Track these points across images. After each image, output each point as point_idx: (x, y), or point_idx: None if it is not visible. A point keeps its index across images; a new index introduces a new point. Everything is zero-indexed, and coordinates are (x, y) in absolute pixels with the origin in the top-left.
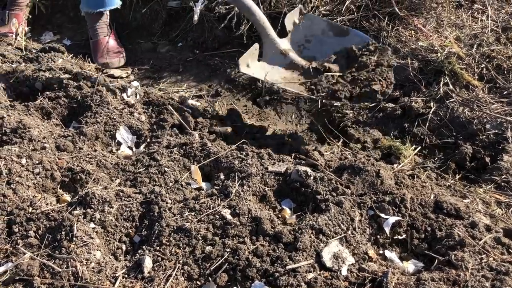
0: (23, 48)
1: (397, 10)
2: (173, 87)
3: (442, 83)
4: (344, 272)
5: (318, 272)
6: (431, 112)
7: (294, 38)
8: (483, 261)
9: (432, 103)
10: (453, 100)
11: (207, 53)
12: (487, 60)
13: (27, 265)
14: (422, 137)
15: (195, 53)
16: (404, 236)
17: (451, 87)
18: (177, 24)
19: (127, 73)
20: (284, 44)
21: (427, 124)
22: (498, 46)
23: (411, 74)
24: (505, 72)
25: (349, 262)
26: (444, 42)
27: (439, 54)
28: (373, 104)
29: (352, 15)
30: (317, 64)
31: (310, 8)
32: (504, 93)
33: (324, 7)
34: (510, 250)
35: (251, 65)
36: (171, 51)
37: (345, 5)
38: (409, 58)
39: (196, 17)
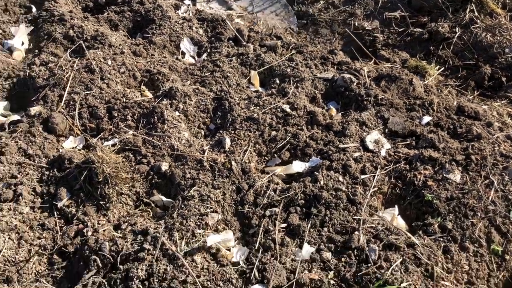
0: None
1: None
2: (222, 7)
3: (468, 10)
4: (383, 153)
5: (363, 153)
6: (456, 36)
7: None
8: (495, 149)
9: (457, 29)
10: (477, 26)
11: None
12: None
13: (132, 139)
14: (446, 59)
15: None
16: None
17: (476, 14)
18: None
19: None
20: None
21: (452, 47)
22: None
23: (439, 1)
24: None
25: (387, 146)
26: None
27: None
28: (402, 29)
29: None
30: None
31: None
32: None
33: None
34: None
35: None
36: None
37: None
38: None
39: None
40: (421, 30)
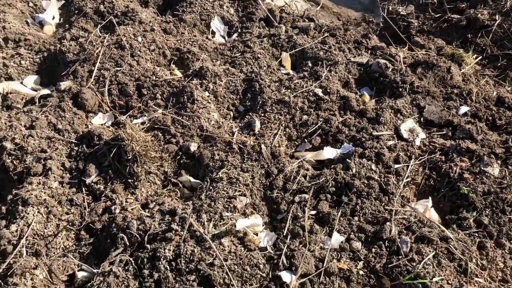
0: None
1: None
2: None
3: None
4: (417, 143)
5: (397, 141)
6: (495, 24)
7: None
8: None
9: (497, 16)
10: None
11: None
12: None
13: (162, 118)
14: (484, 47)
15: None
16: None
17: None
18: None
19: None
20: None
21: (491, 35)
22: None
23: None
24: None
25: (422, 136)
26: None
27: None
28: (438, 15)
29: None
30: None
31: None
32: None
33: None
34: None
35: None
36: None
37: None
38: None
39: None
40: (458, 16)
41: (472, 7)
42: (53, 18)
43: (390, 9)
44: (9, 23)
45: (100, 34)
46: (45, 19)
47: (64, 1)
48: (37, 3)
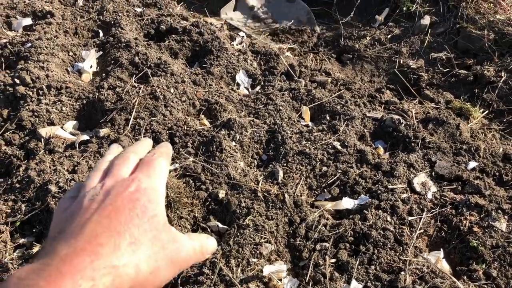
0: None
1: None
2: (269, 39)
3: None
4: (429, 196)
5: (410, 194)
6: (501, 81)
7: None
8: None
9: (503, 73)
10: None
11: None
12: None
13: (193, 166)
14: (490, 102)
15: None
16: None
17: None
18: None
19: (221, 23)
20: (252, 1)
21: (496, 91)
22: None
23: (486, 44)
24: None
25: (433, 190)
26: None
27: None
28: (447, 70)
29: None
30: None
31: None
32: None
33: None
34: None
35: (228, 13)
36: None
37: None
38: (485, 30)
39: None
40: (466, 72)
41: (479, 64)
42: (91, 67)
43: (401, 62)
44: (52, 71)
45: (136, 85)
46: (83, 67)
47: (101, 52)
48: (76, 52)
